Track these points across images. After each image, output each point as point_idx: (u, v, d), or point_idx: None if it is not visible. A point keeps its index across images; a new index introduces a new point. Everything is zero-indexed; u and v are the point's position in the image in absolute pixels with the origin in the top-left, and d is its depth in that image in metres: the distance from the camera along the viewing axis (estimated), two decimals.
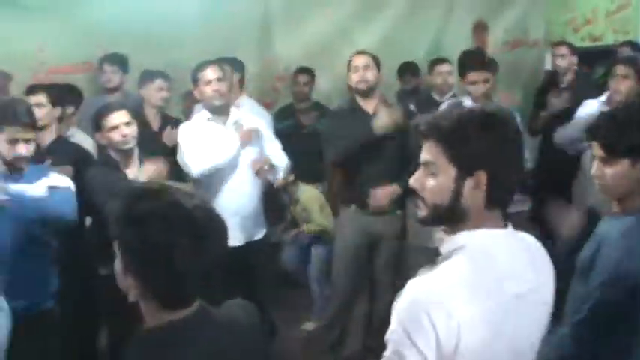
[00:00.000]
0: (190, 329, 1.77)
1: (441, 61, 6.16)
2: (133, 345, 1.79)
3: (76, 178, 4.08)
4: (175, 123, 5.28)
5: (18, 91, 5.29)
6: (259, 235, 4.85)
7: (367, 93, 4.74)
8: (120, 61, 5.67)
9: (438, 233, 2.00)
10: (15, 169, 3.61)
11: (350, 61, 4.79)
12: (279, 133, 5.32)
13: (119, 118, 4.12)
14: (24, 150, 3.56)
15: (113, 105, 4.34)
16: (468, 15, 7.66)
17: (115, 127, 4.10)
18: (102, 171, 4.16)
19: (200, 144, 4.57)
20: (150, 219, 1.68)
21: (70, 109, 4.94)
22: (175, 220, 1.69)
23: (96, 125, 4.17)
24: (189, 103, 5.77)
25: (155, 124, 5.43)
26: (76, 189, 3.86)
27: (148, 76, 5.45)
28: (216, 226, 1.78)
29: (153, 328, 1.77)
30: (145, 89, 5.43)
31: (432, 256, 1.94)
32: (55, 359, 3.74)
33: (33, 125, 3.62)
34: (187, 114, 5.68)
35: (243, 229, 4.66)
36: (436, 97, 6.02)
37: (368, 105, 4.76)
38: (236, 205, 4.59)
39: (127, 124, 4.13)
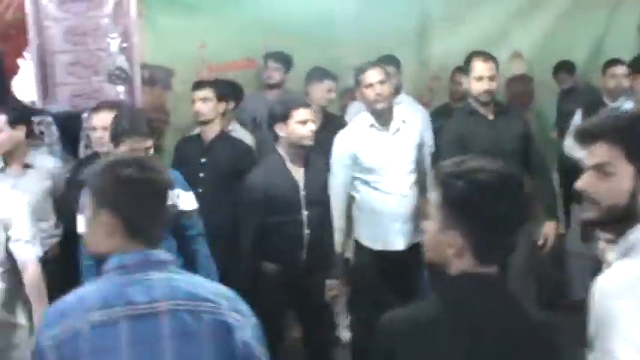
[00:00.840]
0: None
1: (615, 62, 5.81)
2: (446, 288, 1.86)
3: (235, 173, 4.12)
4: (337, 120, 5.21)
5: (180, 87, 5.40)
6: (418, 238, 4.71)
7: (489, 103, 4.66)
8: (283, 59, 5.67)
9: (600, 243, 2.13)
10: None
11: (470, 64, 4.64)
12: (435, 133, 5.18)
13: (308, 113, 4.12)
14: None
15: (301, 101, 4.35)
16: (633, 15, 7.23)
17: (303, 121, 4.10)
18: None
19: (355, 157, 4.49)
20: (477, 175, 1.80)
21: (231, 105, 4.97)
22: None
23: (281, 116, 4.14)
24: (345, 100, 5.72)
25: (317, 122, 5.38)
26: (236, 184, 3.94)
27: (316, 75, 5.41)
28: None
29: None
30: (313, 88, 5.39)
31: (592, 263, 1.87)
32: None
33: (151, 135, 3.69)
34: (343, 111, 5.63)
35: (404, 234, 4.53)
36: (607, 100, 5.67)
37: (487, 111, 4.68)
38: (396, 210, 4.48)
39: (313, 121, 4.12)
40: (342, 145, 4.51)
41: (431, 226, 1.88)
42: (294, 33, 5.78)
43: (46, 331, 1.81)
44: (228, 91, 4.95)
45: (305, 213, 4.19)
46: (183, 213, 3.81)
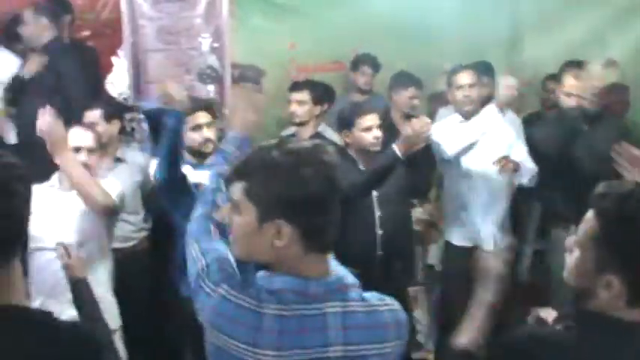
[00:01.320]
0: None
1: None
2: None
3: None
4: None
5: (269, 87, 5.42)
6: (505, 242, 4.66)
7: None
8: (372, 63, 5.63)
9: None
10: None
11: (562, 75, 4.68)
12: (527, 141, 5.06)
13: (373, 120, 4.07)
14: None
15: (368, 106, 4.34)
16: None
17: (368, 129, 4.05)
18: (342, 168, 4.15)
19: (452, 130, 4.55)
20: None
21: (325, 107, 4.96)
22: None
23: (346, 123, 4.12)
24: (434, 105, 5.64)
25: (402, 127, 5.33)
26: None
27: (401, 81, 5.39)
28: None
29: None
30: (396, 94, 5.37)
31: None
32: None
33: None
34: (432, 116, 5.54)
35: (493, 235, 4.48)
36: None
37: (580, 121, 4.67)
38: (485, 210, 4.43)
39: (379, 127, 4.07)
40: (441, 128, 4.59)
41: (573, 257, 1.75)
42: (386, 37, 5.74)
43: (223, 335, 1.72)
44: (323, 93, 4.96)
45: (378, 214, 4.14)
46: None
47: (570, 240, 1.78)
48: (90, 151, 3.75)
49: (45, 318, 1.68)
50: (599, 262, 1.68)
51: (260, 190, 1.72)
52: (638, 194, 1.69)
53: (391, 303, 1.85)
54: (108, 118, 4.48)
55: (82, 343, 1.68)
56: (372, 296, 1.85)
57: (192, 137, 3.93)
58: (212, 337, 1.76)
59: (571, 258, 1.77)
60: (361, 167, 4.15)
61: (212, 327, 1.74)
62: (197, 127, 3.98)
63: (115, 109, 4.67)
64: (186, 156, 3.87)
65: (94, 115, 4.45)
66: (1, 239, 1.62)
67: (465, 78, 4.49)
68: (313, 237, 1.73)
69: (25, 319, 1.64)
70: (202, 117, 4.00)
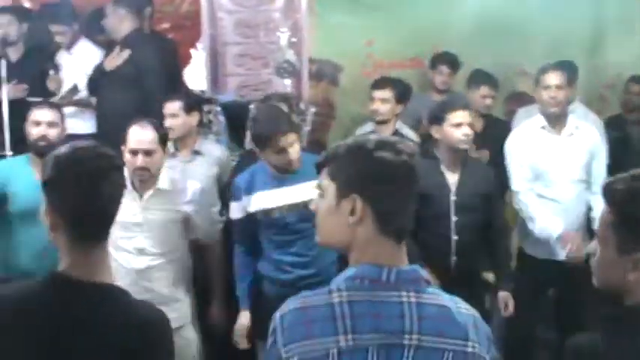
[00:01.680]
0: None
1: None
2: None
3: None
4: (500, 125, 5.07)
5: (346, 82, 5.42)
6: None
7: None
8: (451, 61, 5.55)
9: None
10: (286, 172, 3.67)
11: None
12: (608, 144, 4.93)
13: (464, 116, 4.00)
14: (294, 155, 3.59)
15: (460, 102, 4.25)
16: None
17: (458, 125, 3.98)
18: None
19: (527, 158, 4.39)
20: None
21: (404, 105, 4.92)
22: None
23: (437, 118, 4.06)
24: (512, 105, 5.55)
25: (478, 125, 5.25)
26: None
27: (474, 79, 5.37)
28: None
29: None
30: (471, 92, 5.33)
31: None
32: None
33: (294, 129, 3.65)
34: (509, 116, 5.47)
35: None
36: None
37: None
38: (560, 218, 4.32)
39: (469, 124, 4.01)
40: (516, 146, 4.44)
41: (598, 249, 1.74)
42: (466, 35, 5.69)
43: (288, 345, 1.69)
44: (406, 92, 4.90)
45: (454, 219, 4.07)
46: None
47: (592, 245, 1.78)
48: (147, 153, 3.63)
49: (127, 296, 1.90)
50: (622, 245, 1.68)
51: (341, 168, 1.77)
52: None
53: (468, 307, 1.81)
54: (188, 110, 4.51)
55: (155, 319, 1.89)
56: (447, 296, 1.82)
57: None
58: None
59: (594, 259, 1.78)
60: (442, 167, 4.09)
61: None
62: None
63: (194, 101, 4.71)
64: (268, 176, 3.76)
65: (174, 106, 4.50)
66: (103, 222, 1.88)
67: (553, 78, 4.35)
68: (386, 218, 1.74)
69: (113, 295, 1.87)
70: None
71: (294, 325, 1.70)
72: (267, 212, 3.69)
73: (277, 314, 1.75)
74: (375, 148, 1.75)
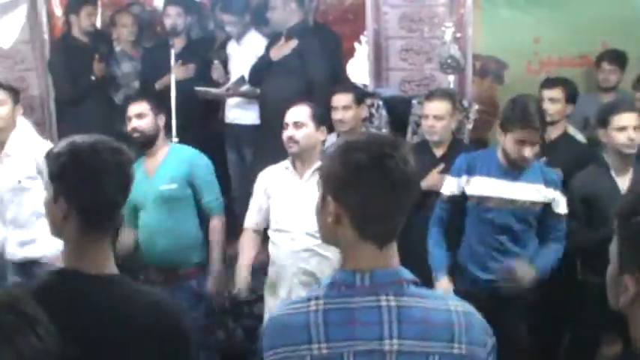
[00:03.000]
0: None
1: None
2: None
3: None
4: None
5: (511, 80, 5.31)
6: None
7: None
8: (619, 59, 5.32)
9: None
10: (516, 167, 3.71)
11: None
12: None
13: (629, 119, 3.86)
14: (529, 153, 3.60)
15: (626, 104, 4.10)
16: None
17: (622, 128, 3.84)
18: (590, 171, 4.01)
19: None
20: None
21: (574, 106, 4.78)
22: None
23: (603, 121, 3.94)
24: None
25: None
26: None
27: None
28: None
29: None
30: (635, 93, 5.05)
31: None
32: None
33: (541, 128, 3.64)
34: None
35: None
36: None
37: None
38: None
39: (635, 128, 3.84)
40: None
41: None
42: (636, 31, 5.42)
43: (267, 350, 1.74)
44: (575, 92, 4.76)
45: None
46: (558, 216, 3.78)
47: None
48: (295, 125, 3.76)
49: (136, 284, 1.99)
50: (621, 263, 1.52)
51: (322, 168, 1.81)
52: None
53: (458, 304, 1.75)
54: (358, 102, 4.57)
55: (168, 304, 1.97)
56: (434, 294, 1.79)
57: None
58: None
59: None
60: (612, 173, 3.95)
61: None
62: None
63: (363, 94, 4.76)
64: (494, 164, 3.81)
65: (346, 99, 4.54)
66: (112, 212, 1.97)
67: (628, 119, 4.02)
68: (362, 223, 1.71)
69: (121, 285, 1.94)
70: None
71: (274, 332, 1.75)
72: (482, 199, 3.76)
73: (266, 318, 1.83)
74: (347, 150, 1.71)
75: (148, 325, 1.87)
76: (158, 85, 5.60)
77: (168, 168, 4.21)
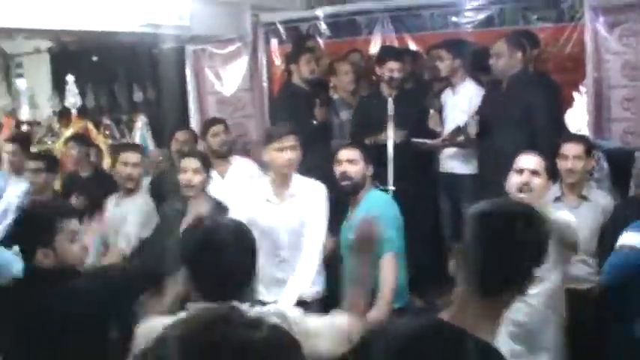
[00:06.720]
0: None
1: None
2: None
3: None
4: None
5: None
6: None
7: None
8: None
9: None
10: None
11: None
12: None
13: None
14: None
15: None
16: None
17: None
18: None
19: None
20: None
21: None
22: None
23: None
24: None
25: None
26: None
27: None
28: None
29: None
30: None
31: None
32: None
33: None
34: None
35: None
36: None
37: None
38: None
39: None
40: None
41: None
42: None
43: None
44: None
45: None
46: None
47: None
48: (533, 173, 3.82)
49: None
50: None
51: None
52: None
53: None
54: (588, 152, 4.41)
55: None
56: None
57: None
58: None
59: None
60: None
61: None
62: None
63: (592, 145, 4.58)
64: None
65: (577, 148, 4.37)
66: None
67: None
68: None
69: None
70: None
71: None
72: None
73: None
74: None
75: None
76: (368, 141, 5.58)
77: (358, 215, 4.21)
